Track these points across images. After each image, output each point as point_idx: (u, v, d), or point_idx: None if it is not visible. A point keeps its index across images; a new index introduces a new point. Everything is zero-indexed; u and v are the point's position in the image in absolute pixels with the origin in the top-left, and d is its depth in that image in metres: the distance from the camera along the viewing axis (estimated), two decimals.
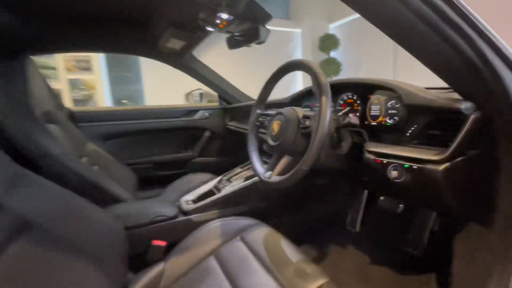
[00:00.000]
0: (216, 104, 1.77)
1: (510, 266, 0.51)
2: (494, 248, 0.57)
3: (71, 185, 0.92)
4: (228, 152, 1.76)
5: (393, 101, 0.70)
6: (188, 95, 2.00)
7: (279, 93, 1.01)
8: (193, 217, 0.96)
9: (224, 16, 0.90)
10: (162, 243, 0.87)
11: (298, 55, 4.92)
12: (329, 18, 4.79)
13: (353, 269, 1.08)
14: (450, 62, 0.49)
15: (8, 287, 0.46)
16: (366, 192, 1.27)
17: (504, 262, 0.52)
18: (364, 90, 0.82)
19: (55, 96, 1.34)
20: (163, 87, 3.61)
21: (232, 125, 1.63)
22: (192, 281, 0.76)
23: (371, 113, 0.78)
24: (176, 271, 0.80)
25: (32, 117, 0.90)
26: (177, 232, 0.91)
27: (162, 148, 1.64)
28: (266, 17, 0.95)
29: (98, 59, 3.34)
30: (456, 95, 0.58)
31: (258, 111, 0.86)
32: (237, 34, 1.06)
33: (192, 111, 1.69)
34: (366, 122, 0.80)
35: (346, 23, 4.57)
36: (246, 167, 1.20)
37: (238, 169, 1.20)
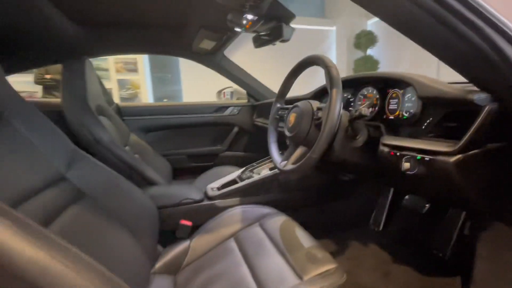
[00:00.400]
0: (244, 101, 1.86)
1: None
2: None
3: (116, 168, 1.07)
4: (254, 147, 1.83)
5: (409, 94, 0.70)
6: (219, 93, 2.12)
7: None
8: (216, 202, 1.05)
9: (250, 16, 0.97)
10: (188, 223, 0.97)
11: (332, 54, 4.82)
12: (367, 14, 4.61)
13: (373, 266, 1.07)
14: (462, 53, 0.49)
15: (65, 238, 0.58)
16: (391, 191, 1.24)
17: None
18: (383, 84, 0.82)
19: (106, 93, 1.54)
20: (199, 87, 3.84)
21: (260, 121, 1.70)
22: (212, 258, 0.84)
23: (390, 107, 0.78)
24: (200, 249, 0.89)
25: (87, 109, 1.07)
26: (202, 215, 1.01)
27: (195, 142, 1.77)
28: (290, 16, 0.99)
29: (142, 61, 3.67)
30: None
31: (278, 105, 0.92)
32: (262, 33, 1.12)
33: (222, 108, 1.79)
34: (384, 116, 0.81)
35: None
36: (268, 160, 1.26)
37: (261, 162, 1.26)
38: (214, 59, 1.53)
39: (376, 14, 0.50)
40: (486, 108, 0.51)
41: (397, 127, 0.77)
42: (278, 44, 1.12)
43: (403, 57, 4.12)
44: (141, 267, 0.76)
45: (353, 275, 1.03)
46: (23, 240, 0.37)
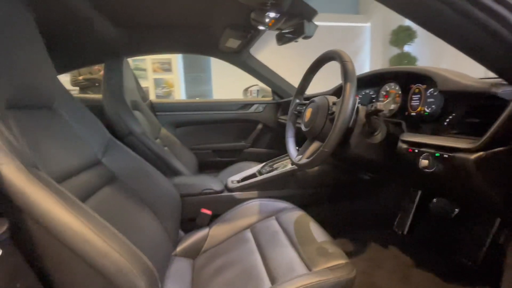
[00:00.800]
0: (269, 98, 1.88)
1: None
2: None
3: (146, 157, 1.17)
4: (278, 144, 1.85)
5: (432, 89, 0.67)
6: (246, 91, 2.17)
7: None
8: (236, 194, 1.09)
9: (272, 14, 0.99)
10: (208, 212, 1.02)
11: (366, 51, 4.62)
12: None
13: (392, 269, 1.03)
14: (485, 45, 0.46)
15: (98, 214, 0.66)
16: (419, 193, 1.18)
17: None
18: (406, 80, 0.79)
19: (141, 90, 1.68)
20: (228, 86, 3.95)
21: (284, 119, 1.72)
22: (229, 246, 0.88)
23: (412, 103, 0.75)
24: (217, 237, 0.94)
25: (123, 104, 1.18)
26: (222, 205, 1.06)
27: (220, 137, 1.84)
28: (312, 13, 1.00)
29: (176, 62, 3.88)
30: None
31: (297, 101, 0.93)
32: (285, 30, 1.14)
33: (247, 105, 1.84)
34: (406, 113, 0.78)
35: None
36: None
37: (281, 157, 1.28)
38: (240, 57, 1.58)
39: (405, 14, 0.50)
40: None
41: (419, 124, 0.74)
42: (308, 42, 1.12)
43: (445, 54, 3.81)
44: (164, 248, 0.83)
45: (370, 276, 1.01)
46: (62, 208, 0.44)
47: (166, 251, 0.85)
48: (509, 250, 0.73)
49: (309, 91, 0.96)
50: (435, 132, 0.67)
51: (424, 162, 0.61)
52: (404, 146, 0.68)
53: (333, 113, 0.70)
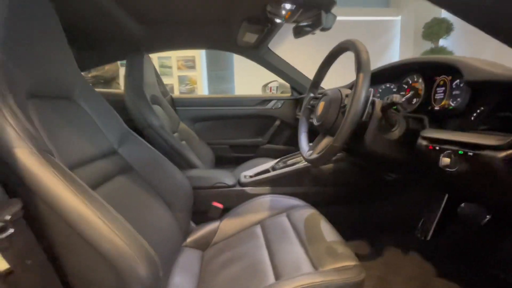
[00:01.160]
0: (288, 94, 1.85)
1: None
2: None
3: (162, 149, 1.20)
4: (295, 141, 1.80)
5: (458, 81, 0.61)
6: (265, 87, 2.15)
7: None
8: (247, 189, 1.09)
9: (288, 6, 0.97)
10: (220, 205, 1.03)
11: (395, 46, 4.37)
12: None
13: (412, 276, 0.97)
14: None
15: (109, 202, 0.68)
16: (446, 197, 1.09)
17: None
18: (430, 71, 0.72)
19: (162, 85, 1.73)
20: (249, 84, 3.97)
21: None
22: (238, 241, 0.88)
23: (436, 96, 0.69)
24: (227, 231, 0.95)
25: (143, 98, 1.22)
26: (233, 199, 1.06)
27: (237, 133, 1.85)
28: (330, 3, 0.95)
29: (200, 59, 3.96)
30: None
31: (311, 95, 0.89)
32: (303, 23, 1.11)
33: (265, 101, 1.82)
34: (429, 108, 0.72)
35: None
36: None
37: (296, 154, 1.25)
38: (258, 53, 1.57)
39: (441, 4, 0.44)
40: None
41: (443, 119, 0.68)
42: (333, 38, 1.07)
43: (485, 47, 3.48)
44: (174, 238, 0.85)
45: (386, 282, 0.95)
46: (69, 191, 0.46)
47: (177, 241, 0.87)
48: None
49: (329, 86, 0.92)
50: (460, 128, 0.61)
51: (445, 161, 0.56)
52: (424, 142, 0.63)
53: (345, 106, 0.67)
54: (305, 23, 1.10)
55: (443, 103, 0.65)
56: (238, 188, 1.09)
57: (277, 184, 1.10)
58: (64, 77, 0.71)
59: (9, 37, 0.54)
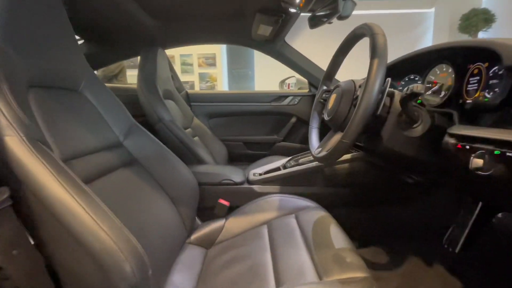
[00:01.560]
0: (305, 90, 1.77)
1: None
2: None
3: (172, 144, 1.19)
4: None
5: (496, 68, 0.51)
6: (282, 83, 2.08)
7: None
8: (256, 187, 1.04)
9: None
10: (226, 203, 1.00)
11: (427, 41, 4.07)
12: None
13: None
14: None
15: (110, 194, 0.67)
16: (479, 205, 0.96)
17: None
18: (463, 59, 0.63)
19: (178, 80, 1.73)
20: (270, 83, 3.91)
21: None
22: (242, 241, 0.84)
23: (468, 88, 0.59)
24: (233, 230, 0.91)
25: (155, 92, 1.22)
26: (240, 197, 1.02)
27: (252, 130, 1.80)
28: None
29: (220, 57, 3.97)
30: None
31: (324, 88, 0.82)
32: (320, 13, 1.03)
33: (282, 97, 1.76)
34: (461, 101, 0.62)
35: None
36: None
37: (309, 152, 1.18)
38: (274, 46, 1.51)
39: None
40: None
41: (476, 114, 0.58)
42: None
43: None
44: (177, 234, 0.83)
45: None
46: (55, 182, 0.45)
47: (180, 237, 0.84)
48: None
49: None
50: (497, 125, 0.52)
51: (477, 162, 0.47)
52: (452, 141, 0.54)
53: (357, 97, 0.59)
54: (321, 12, 1.03)
55: (476, 95, 0.56)
56: (246, 186, 1.05)
57: (287, 183, 1.04)
58: (70, 68, 0.71)
59: (11, 25, 0.54)
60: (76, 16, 1.03)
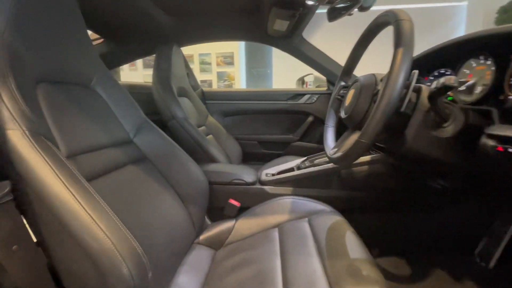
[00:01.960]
0: (324, 88, 1.70)
1: None
2: None
3: (184, 141, 1.18)
4: None
5: None
6: (299, 81, 2.01)
7: None
8: (267, 188, 1.00)
9: None
10: (236, 203, 0.96)
11: (459, 35, 3.79)
12: None
13: None
14: None
15: (116, 190, 0.66)
16: None
17: None
18: (504, 49, 0.55)
19: (193, 78, 1.73)
20: (288, 82, 3.85)
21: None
22: (252, 244, 0.81)
23: (511, 82, 0.51)
24: (242, 231, 0.88)
25: (169, 89, 1.22)
26: (251, 198, 0.98)
27: (267, 129, 1.76)
28: None
29: (238, 55, 3.96)
30: None
31: (342, 83, 0.77)
32: (339, 5, 0.97)
33: (298, 95, 1.70)
34: (501, 97, 0.54)
35: None
36: None
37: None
38: (291, 42, 1.46)
39: None
40: None
41: None
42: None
43: None
44: (185, 234, 0.81)
45: None
46: (55, 178, 0.44)
47: (188, 237, 0.83)
48: None
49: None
50: None
51: None
52: (491, 143, 0.47)
53: (378, 92, 0.53)
54: (341, 4, 0.97)
55: None
56: (257, 186, 1.01)
57: (301, 185, 0.99)
58: (81, 64, 0.71)
59: (20, 20, 0.54)
60: (92, 13, 1.04)
